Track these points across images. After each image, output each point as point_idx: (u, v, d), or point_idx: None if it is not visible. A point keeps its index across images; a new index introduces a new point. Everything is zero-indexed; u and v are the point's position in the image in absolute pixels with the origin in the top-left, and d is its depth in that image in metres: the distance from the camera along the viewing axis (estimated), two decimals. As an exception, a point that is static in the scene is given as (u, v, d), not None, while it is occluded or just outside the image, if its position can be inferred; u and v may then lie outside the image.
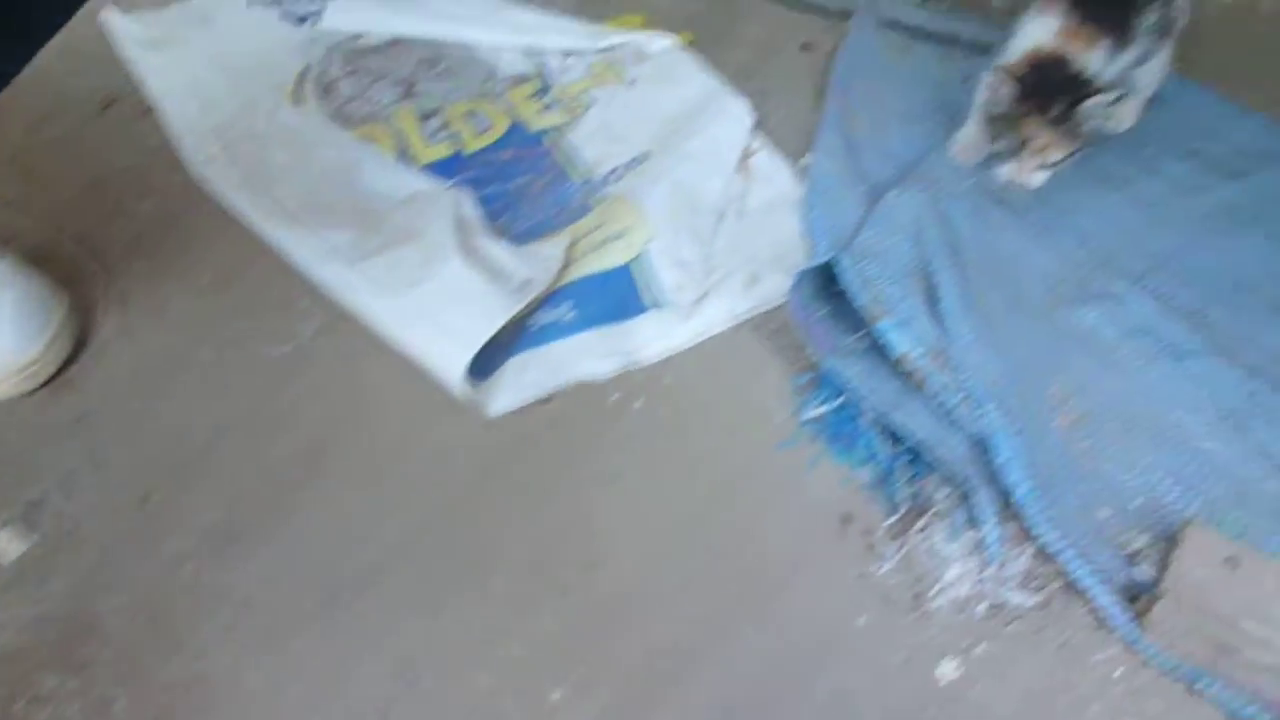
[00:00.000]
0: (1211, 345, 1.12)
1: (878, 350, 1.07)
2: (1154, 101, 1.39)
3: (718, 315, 1.19)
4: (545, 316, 1.19)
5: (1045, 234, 1.24)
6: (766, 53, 1.50)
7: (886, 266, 1.10)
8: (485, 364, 1.15)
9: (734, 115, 1.35)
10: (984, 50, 1.33)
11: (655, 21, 1.56)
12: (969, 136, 1.29)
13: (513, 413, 1.15)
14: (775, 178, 1.32)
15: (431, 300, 1.14)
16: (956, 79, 1.41)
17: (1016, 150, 1.13)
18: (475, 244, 1.21)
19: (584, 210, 1.30)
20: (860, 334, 1.09)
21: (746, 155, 1.35)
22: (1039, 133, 1.10)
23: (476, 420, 1.15)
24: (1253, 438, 1.06)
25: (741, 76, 1.46)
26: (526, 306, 1.17)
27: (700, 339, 1.19)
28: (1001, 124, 1.13)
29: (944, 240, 1.17)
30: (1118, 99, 1.07)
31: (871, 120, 1.37)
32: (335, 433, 1.17)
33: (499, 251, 1.21)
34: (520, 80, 1.49)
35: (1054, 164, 1.14)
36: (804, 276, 1.10)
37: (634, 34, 1.49)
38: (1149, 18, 1.11)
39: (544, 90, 1.47)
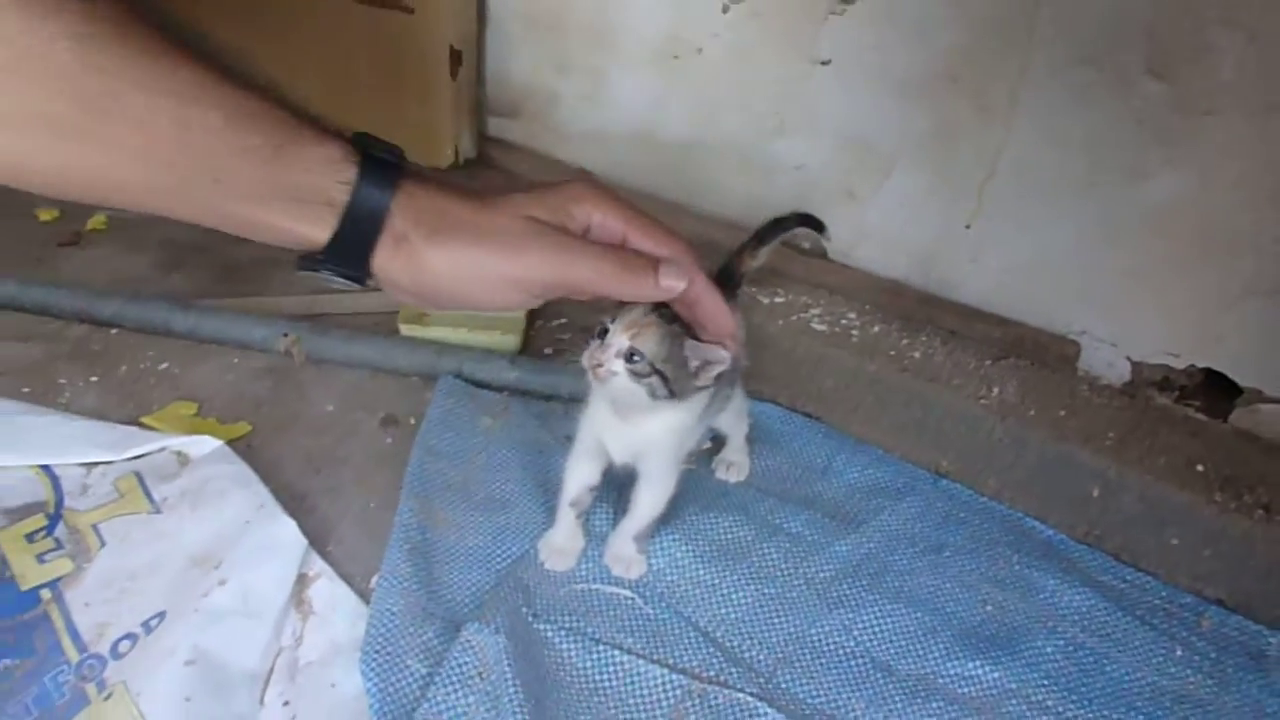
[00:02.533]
0: (854, 767, 0.95)
1: None
2: (764, 444, 1.31)
3: None
4: None
5: (660, 637, 1.06)
6: (341, 434, 1.29)
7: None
8: None
9: (280, 542, 1.10)
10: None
11: (212, 409, 1.32)
12: (561, 538, 1.12)
13: None
14: (338, 612, 1.06)
15: None
16: (557, 444, 1.26)
17: (610, 322, 0.90)
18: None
19: (76, 707, 0.98)
20: None
21: (305, 584, 1.09)
22: (643, 312, 0.88)
23: None
24: None
25: (309, 470, 1.23)
26: None
27: None
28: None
29: (530, 691, 0.94)
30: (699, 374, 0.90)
31: (454, 515, 1.17)
32: None
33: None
34: (22, 513, 1.17)
35: (635, 368, 0.88)
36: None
37: (173, 437, 1.23)
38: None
39: (52, 524, 1.16)
